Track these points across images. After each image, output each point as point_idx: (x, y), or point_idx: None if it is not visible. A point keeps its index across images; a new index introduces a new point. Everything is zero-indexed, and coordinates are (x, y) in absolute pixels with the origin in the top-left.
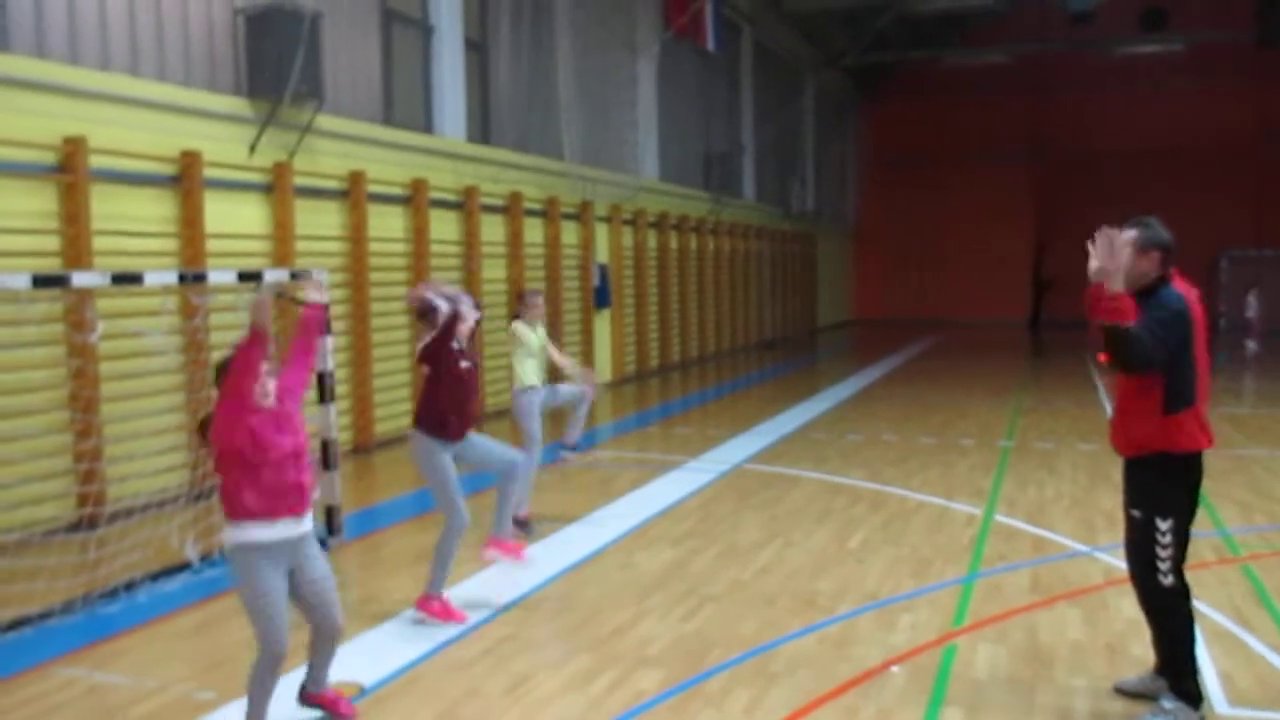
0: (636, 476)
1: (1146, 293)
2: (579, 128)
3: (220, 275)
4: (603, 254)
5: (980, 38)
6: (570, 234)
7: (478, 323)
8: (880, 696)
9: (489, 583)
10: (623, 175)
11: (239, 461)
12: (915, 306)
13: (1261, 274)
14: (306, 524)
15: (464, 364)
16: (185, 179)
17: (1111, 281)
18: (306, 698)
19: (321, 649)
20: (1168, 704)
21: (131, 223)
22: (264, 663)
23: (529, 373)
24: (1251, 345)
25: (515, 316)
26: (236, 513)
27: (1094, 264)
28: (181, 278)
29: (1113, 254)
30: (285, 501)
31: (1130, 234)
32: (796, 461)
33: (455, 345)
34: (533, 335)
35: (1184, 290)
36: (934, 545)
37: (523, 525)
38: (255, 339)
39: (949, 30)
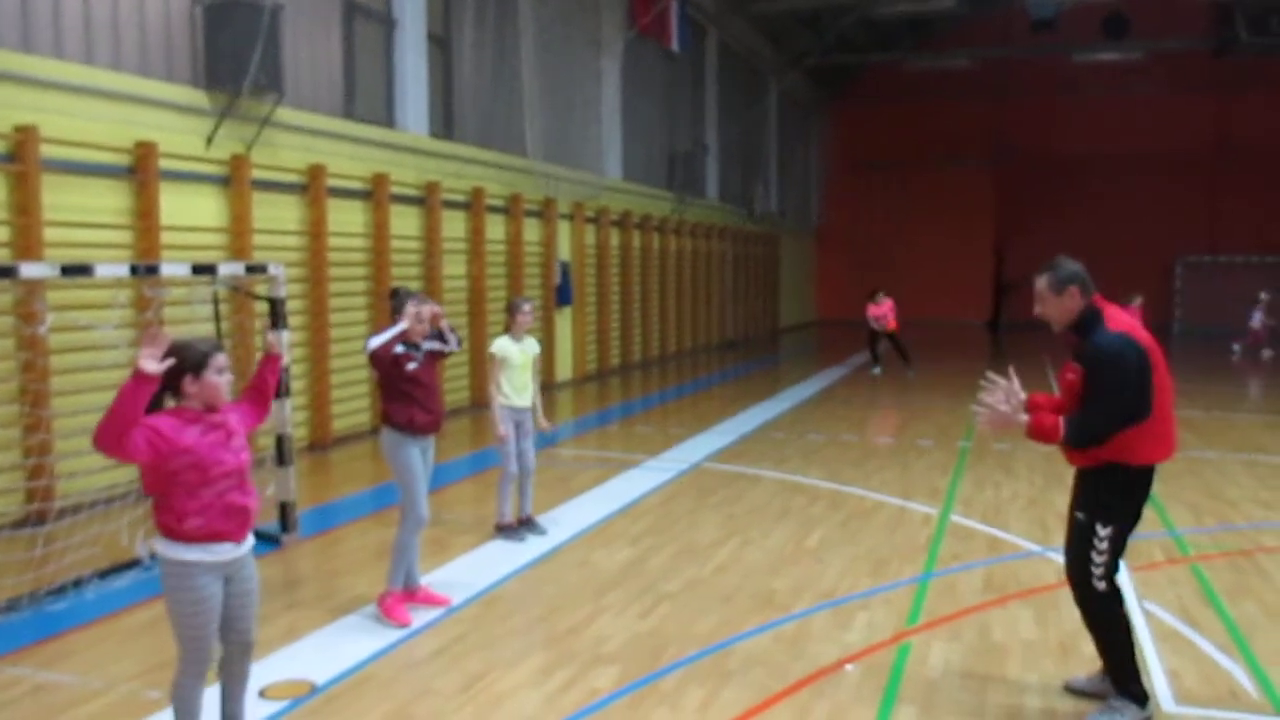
0: (596, 475)
1: (1080, 329)
2: (542, 124)
3: (173, 268)
4: (565, 252)
5: (943, 42)
6: (533, 231)
7: (450, 353)
8: (835, 694)
9: (456, 575)
10: (586, 173)
11: (176, 482)
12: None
13: (1208, 279)
14: (247, 545)
15: (411, 365)
16: (140, 170)
17: (1018, 425)
18: None
19: (231, 674)
20: (1115, 702)
21: (85, 214)
22: (191, 675)
23: (508, 392)
24: (1266, 352)
25: (506, 329)
26: (174, 535)
27: (995, 423)
28: (133, 270)
29: (1006, 404)
30: (229, 524)
31: (1042, 280)
32: (756, 461)
33: (399, 349)
34: (516, 350)
35: (1122, 325)
36: (891, 545)
37: (529, 525)
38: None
39: (912, 34)
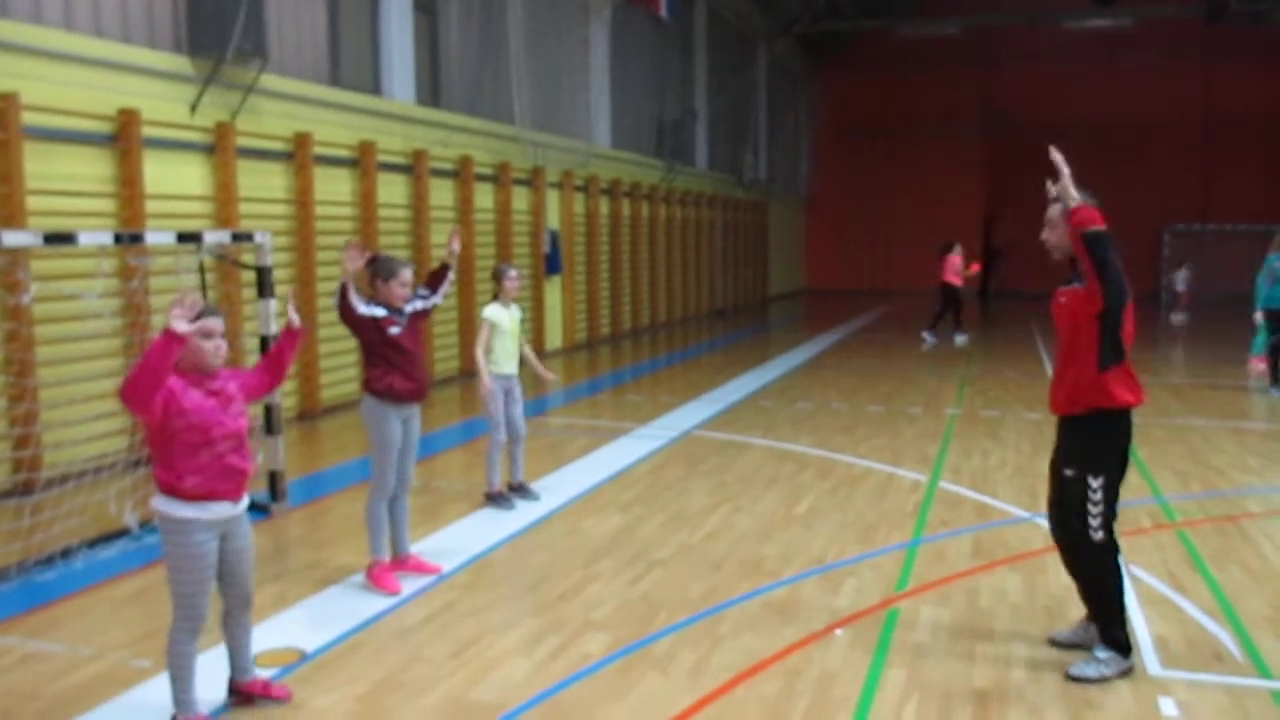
0: (586, 443)
1: (1077, 260)
2: (530, 92)
3: (157, 236)
4: (554, 220)
5: (933, 9)
6: (521, 200)
7: (433, 308)
8: (824, 658)
9: (446, 542)
10: (575, 141)
11: (177, 441)
12: (866, 276)
13: (1198, 250)
14: (242, 505)
15: (394, 330)
16: (123, 138)
17: (1068, 197)
18: (237, 689)
19: (235, 624)
20: (1100, 654)
21: (67, 182)
22: (185, 631)
23: (498, 359)
24: (1179, 317)
25: (494, 297)
26: (174, 492)
27: (1063, 188)
28: (117, 238)
29: (1060, 168)
30: (225, 485)
31: (1055, 207)
32: (746, 429)
33: (381, 312)
34: (506, 317)
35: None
36: (879, 511)
37: (521, 491)
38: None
39: (901, 1)
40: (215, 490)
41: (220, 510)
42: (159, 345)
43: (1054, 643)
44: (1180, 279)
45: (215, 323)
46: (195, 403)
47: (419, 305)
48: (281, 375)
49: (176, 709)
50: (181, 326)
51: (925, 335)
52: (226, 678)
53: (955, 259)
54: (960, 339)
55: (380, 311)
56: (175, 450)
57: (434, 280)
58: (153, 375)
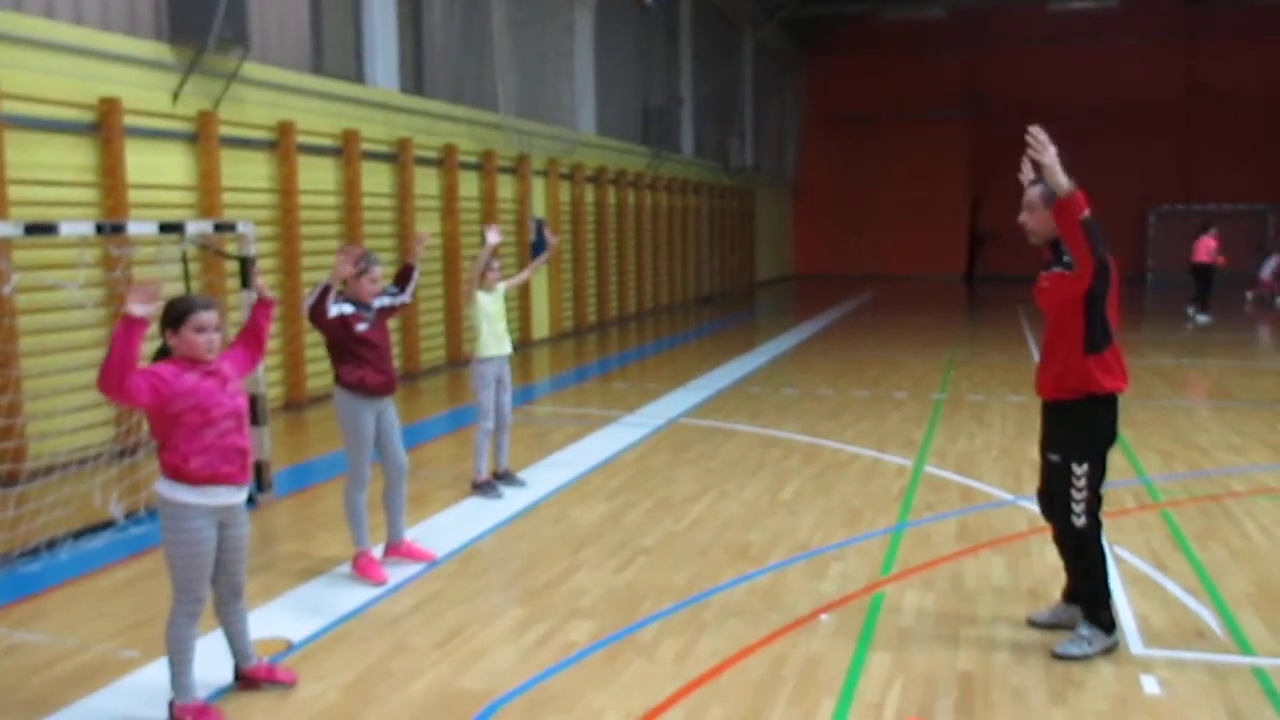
0: (573, 431)
1: (1059, 244)
2: (515, 79)
3: (139, 226)
4: (540, 208)
5: None
6: (506, 188)
7: (401, 306)
8: (809, 643)
9: (434, 531)
10: (560, 128)
11: (180, 423)
12: (853, 261)
13: (1179, 230)
14: (243, 492)
15: (361, 326)
16: (104, 127)
17: (1057, 184)
18: (244, 675)
19: (229, 612)
20: (1084, 631)
21: (48, 171)
22: (184, 615)
23: (488, 342)
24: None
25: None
26: (179, 475)
27: (1051, 173)
28: (99, 228)
29: (1044, 149)
30: (229, 465)
31: (1034, 191)
32: (732, 415)
33: (349, 309)
34: (490, 301)
35: None
36: (865, 496)
37: (507, 479)
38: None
39: None
40: (219, 472)
41: (222, 497)
42: (119, 330)
43: (1033, 624)
44: (1269, 268)
45: (208, 316)
46: (193, 384)
47: (387, 302)
48: (262, 347)
49: (174, 693)
50: (138, 310)
51: (1199, 316)
52: (231, 664)
53: (1210, 240)
54: (1203, 319)
55: (348, 308)
56: (179, 433)
57: (401, 279)
58: (119, 361)
